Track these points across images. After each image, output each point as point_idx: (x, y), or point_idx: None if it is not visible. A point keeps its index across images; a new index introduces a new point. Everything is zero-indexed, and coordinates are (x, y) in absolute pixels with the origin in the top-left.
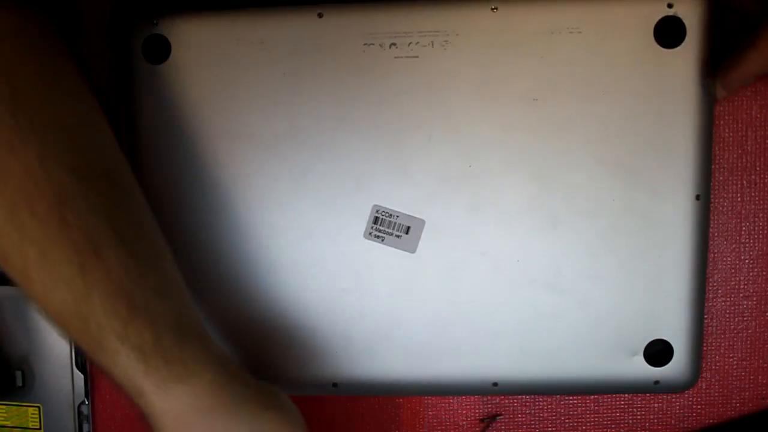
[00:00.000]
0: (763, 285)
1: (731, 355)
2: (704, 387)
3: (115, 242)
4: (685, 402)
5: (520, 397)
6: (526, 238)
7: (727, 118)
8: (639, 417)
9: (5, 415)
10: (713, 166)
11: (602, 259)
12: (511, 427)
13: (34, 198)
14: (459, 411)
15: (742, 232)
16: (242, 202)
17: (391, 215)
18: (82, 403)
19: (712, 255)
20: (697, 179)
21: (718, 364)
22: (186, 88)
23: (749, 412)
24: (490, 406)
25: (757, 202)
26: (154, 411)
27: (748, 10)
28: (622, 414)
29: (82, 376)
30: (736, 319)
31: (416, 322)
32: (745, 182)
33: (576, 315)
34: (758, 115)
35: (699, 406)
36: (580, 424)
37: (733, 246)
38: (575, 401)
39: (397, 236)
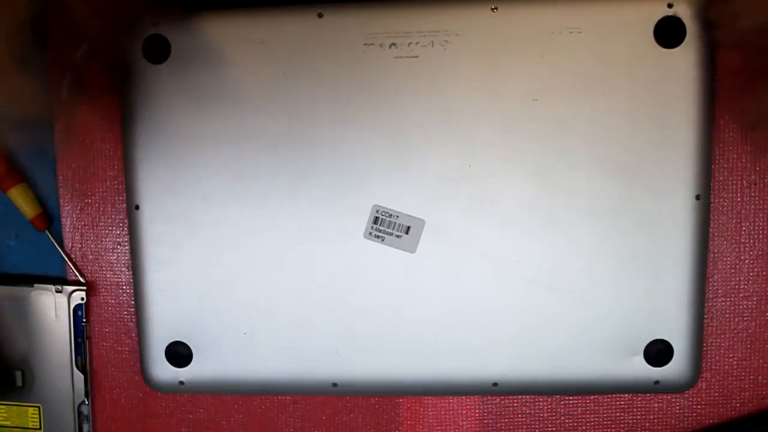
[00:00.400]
0: (763, 285)
1: (731, 355)
2: (704, 387)
3: None
4: (685, 402)
5: (520, 397)
6: (526, 238)
7: (727, 118)
8: (639, 417)
9: (5, 415)
10: (713, 166)
11: (602, 259)
12: (511, 427)
13: None
14: (459, 411)
15: (742, 232)
16: (242, 201)
17: (391, 215)
18: (82, 403)
19: (712, 255)
20: (697, 179)
21: (718, 364)
22: (186, 88)
23: (749, 412)
24: (490, 405)
25: (757, 202)
26: None
27: None
28: (622, 414)
29: (82, 376)
30: (736, 319)
31: (416, 322)
32: (745, 182)
33: (576, 315)
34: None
35: (699, 406)
36: (580, 424)
37: (733, 246)
38: (575, 401)
39: (398, 236)
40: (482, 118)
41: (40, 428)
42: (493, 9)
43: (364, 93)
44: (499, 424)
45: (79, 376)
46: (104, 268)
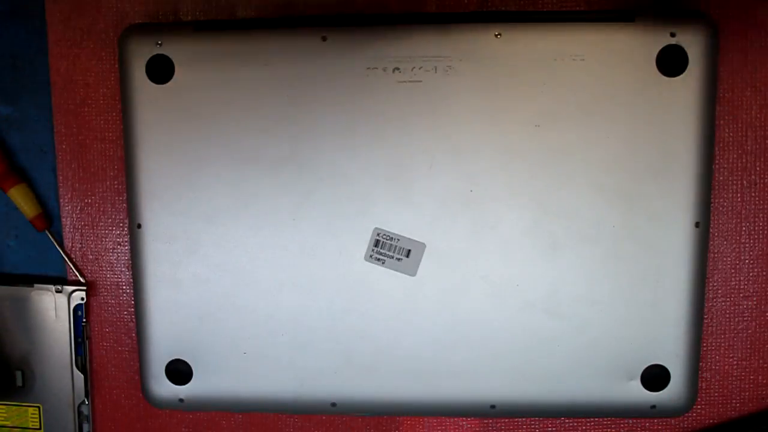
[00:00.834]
0: (763, 285)
1: (731, 355)
2: (704, 387)
3: None
4: None
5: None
6: (525, 263)
7: (727, 118)
8: (639, 417)
9: (5, 415)
10: (713, 166)
11: (601, 284)
12: (511, 427)
13: None
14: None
15: (742, 232)
16: (244, 222)
17: (392, 238)
18: (82, 403)
19: (712, 255)
20: (697, 207)
21: (718, 364)
22: (189, 109)
23: (749, 412)
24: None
25: (757, 202)
26: None
27: None
28: None
29: (82, 376)
30: (736, 319)
31: (415, 344)
32: (745, 182)
33: (574, 339)
34: (758, 115)
35: (699, 406)
36: (580, 424)
37: (733, 246)
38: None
39: (398, 259)
40: (484, 143)
41: (40, 428)
42: (496, 35)
43: (367, 116)
44: (499, 425)
45: (79, 376)
46: (104, 268)
